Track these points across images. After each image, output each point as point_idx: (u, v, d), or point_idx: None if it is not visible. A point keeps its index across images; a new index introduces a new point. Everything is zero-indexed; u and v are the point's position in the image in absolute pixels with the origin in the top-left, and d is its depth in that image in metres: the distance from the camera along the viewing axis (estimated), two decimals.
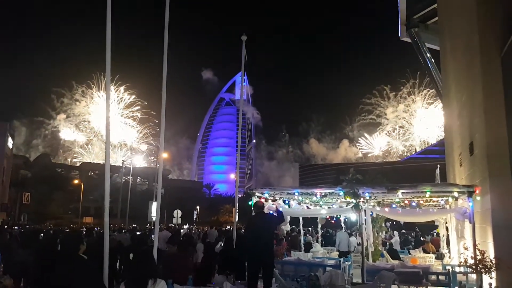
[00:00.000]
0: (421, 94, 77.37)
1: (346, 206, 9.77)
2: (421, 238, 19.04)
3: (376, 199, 11.40)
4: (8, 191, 47.60)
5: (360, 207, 8.80)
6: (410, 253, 15.72)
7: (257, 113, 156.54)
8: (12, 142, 47.28)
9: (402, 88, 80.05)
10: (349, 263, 11.05)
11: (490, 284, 8.04)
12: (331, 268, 9.04)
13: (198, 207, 78.97)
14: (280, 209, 9.60)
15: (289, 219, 12.56)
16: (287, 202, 12.90)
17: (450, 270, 9.13)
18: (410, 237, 23.16)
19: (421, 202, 10.75)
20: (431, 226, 21.98)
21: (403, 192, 9.19)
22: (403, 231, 23.57)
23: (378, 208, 10.47)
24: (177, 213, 38.12)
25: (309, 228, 19.74)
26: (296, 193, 9.99)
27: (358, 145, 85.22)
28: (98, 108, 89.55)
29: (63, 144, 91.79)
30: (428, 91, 74.99)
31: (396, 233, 18.83)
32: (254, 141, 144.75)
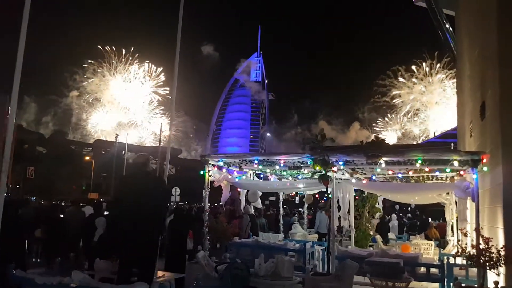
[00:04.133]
0: (439, 75, 73.15)
1: (311, 176, 7.83)
2: (430, 222, 16.89)
3: (363, 173, 9.42)
4: (11, 164, 47.21)
5: (329, 177, 6.83)
6: (409, 239, 13.72)
7: (272, 95, 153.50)
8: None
9: (418, 69, 75.76)
10: (324, 247, 9.16)
11: (496, 283, 6.04)
12: (293, 254, 7.17)
13: None
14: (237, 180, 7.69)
15: (260, 194, 10.73)
16: (261, 175, 11.07)
17: (445, 262, 7.13)
18: (417, 221, 21.02)
19: (413, 175, 8.69)
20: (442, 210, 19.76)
21: (387, 161, 7.17)
22: (409, 215, 21.47)
23: (354, 181, 8.47)
24: (176, 190, 36.79)
25: (300, 208, 17.90)
26: (256, 161, 8.09)
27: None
28: (109, 86, 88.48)
29: (76, 122, 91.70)
30: (446, 72, 70.63)
31: (394, 216, 16.78)
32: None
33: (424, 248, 10.55)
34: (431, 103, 77.04)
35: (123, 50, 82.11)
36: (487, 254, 6.01)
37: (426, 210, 23.06)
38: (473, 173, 6.46)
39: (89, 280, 3.65)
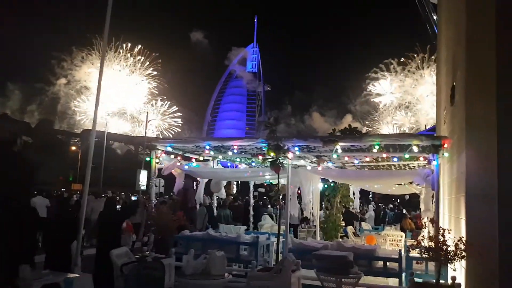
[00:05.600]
0: (431, 69, 72.78)
1: (262, 162, 7.30)
2: (404, 213, 16.48)
3: (332, 162, 8.89)
4: None
5: (281, 164, 6.28)
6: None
7: (268, 87, 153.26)
8: None
9: (410, 62, 75.27)
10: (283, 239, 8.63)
11: (454, 278, 5.58)
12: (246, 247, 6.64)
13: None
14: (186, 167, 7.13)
15: (224, 184, 10.17)
16: (228, 163, 10.48)
17: (404, 256, 6.65)
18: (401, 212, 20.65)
19: (384, 164, 8.16)
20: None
21: (350, 148, 6.65)
22: (391, 205, 21.04)
23: (309, 167, 7.94)
24: (160, 182, 36.11)
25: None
26: (208, 147, 7.51)
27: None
28: (97, 73, 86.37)
29: (63, 111, 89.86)
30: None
31: (371, 206, 16.33)
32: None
33: (393, 240, 10.08)
34: (423, 97, 76.80)
35: (113, 38, 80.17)
36: (444, 247, 5.52)
37: (412, 201, 22.68)
38: (433, 159, 5.93)
39: None
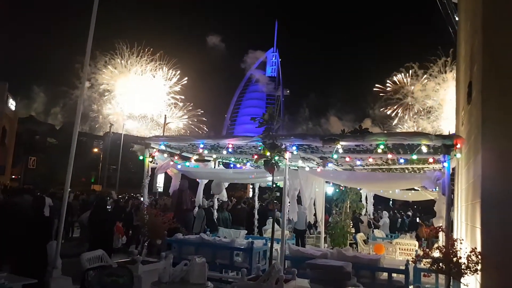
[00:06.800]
0: (454, 73, 70.17)
1: (254, 162, 6.82)
2: (418, 221, 15.67)
3: (339, 164, 8.34)
4: (12, 154, 46.95)
5: (275, 164, 5.80)
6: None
7: (287, 91, 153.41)
8: (14, 104, 45.84)
9: (432, 66, 73.05)
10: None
11: None
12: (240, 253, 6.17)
13: None
14: (179, 166, 6.76)
15: (226, 186, 9.72)
16: (232, 166, 10.08)
17: (410, 267, 6.03)
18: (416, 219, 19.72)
19: (395, 167, 7.55)
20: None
21: (348, 147, 6.10)
22: (409, 213, 20.13)
23: (307, 169, 7.40)
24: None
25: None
26: (202, 145, 7.10)
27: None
28: (120, 79, 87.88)
29: (85, 113, 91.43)
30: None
31: (385, 213, 15.53)
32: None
33: (404, 249, 9.40)
34: (445, 101, 74.45)
35: (135, 43, 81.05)
36: (454, 259, 4.91)
37: (432, 207, 21.70)
38: (445, 161, 5.32)
39: None
